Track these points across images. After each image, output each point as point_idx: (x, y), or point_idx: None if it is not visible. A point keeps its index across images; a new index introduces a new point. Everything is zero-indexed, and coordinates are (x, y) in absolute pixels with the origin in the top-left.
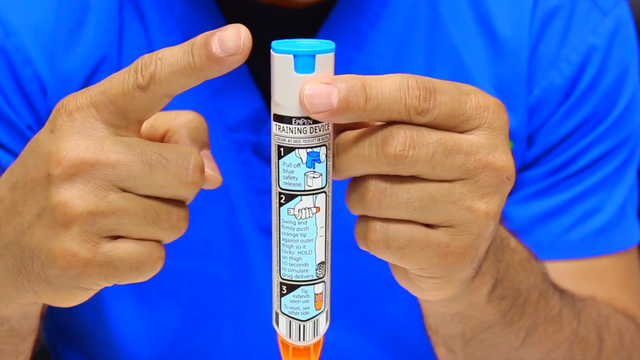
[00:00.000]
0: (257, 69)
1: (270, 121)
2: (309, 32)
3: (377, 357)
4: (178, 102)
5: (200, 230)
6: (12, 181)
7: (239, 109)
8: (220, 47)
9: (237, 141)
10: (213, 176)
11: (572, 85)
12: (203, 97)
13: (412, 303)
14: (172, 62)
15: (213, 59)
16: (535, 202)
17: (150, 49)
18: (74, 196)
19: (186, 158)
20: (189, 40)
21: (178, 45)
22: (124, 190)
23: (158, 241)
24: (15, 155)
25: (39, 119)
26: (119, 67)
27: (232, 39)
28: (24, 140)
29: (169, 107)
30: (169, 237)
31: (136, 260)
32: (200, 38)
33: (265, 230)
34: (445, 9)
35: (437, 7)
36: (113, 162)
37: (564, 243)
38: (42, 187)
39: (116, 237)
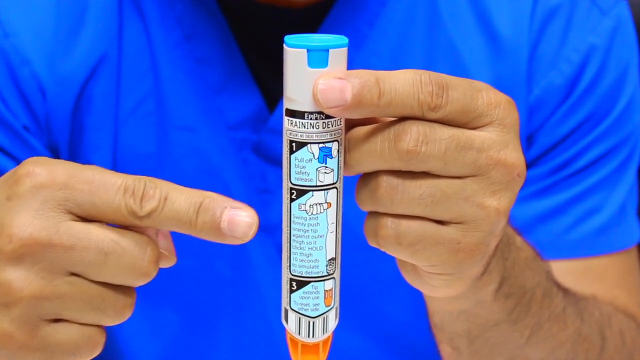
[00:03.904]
0: (257, 68)
1: (270, 120)
2: (307, 32)
3: (378, 356)
4: (178, 101)
5: None
6: None
7: (239, 108)
8: (229, 226)
9: (237, 140)
10: (168, 257)
11: (572, 84)
12: (203, 95)
13: (413, 302)
14: (175, 209)
15: (216, 231)
16: (535, 202)
17: (151, 47)
18: (19, 277)
19: (143, 249)
20: (198, 195)
21: (186, 192)
22: (72, 274)
23: (99, 325)
24: (11, 157)
25: (37, 120)
26: (118, 66)
27: (243, 227)
28: (21, 140)
29: (168, 107)
30: (111, 323)
31: (74, 346)
32: (210, 203)
33: (265, 229)
34: (445, 8)
35: (436, 6)
36: (67, 247)
37: (564, 243)
38: None
39: (57, 320)
